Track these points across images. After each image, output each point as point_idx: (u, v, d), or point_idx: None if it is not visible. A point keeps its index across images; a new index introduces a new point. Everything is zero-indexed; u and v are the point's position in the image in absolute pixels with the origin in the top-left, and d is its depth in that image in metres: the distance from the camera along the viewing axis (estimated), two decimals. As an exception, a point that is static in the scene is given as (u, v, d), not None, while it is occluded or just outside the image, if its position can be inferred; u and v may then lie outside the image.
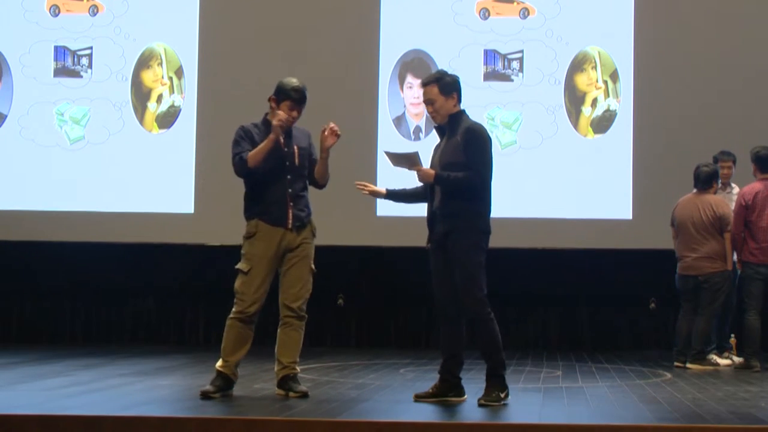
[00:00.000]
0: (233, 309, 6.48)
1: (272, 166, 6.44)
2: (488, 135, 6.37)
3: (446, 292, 6.33)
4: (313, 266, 6.57)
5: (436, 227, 6.34)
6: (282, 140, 6.47)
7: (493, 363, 6.26)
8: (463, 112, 6.39)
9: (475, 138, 6.27)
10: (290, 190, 6.48)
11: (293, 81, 6.51)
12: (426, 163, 6.42)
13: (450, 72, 6.46)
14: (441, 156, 6.35)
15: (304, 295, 6.52)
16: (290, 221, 6.47)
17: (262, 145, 6.39)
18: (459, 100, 6.38)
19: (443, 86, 6.32)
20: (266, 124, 6.54)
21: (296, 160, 6.51)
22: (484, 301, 6.23)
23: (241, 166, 6.44)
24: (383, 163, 10.33)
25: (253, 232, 6.48)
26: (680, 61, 10.27)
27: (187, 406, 6.12)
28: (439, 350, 6.45)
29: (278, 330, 6.53)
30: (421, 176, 6.29)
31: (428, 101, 6.35)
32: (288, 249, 6.48)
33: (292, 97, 6.46)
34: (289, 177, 6.48)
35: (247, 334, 6.48)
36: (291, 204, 6.47)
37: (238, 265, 6.49)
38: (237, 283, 6.49)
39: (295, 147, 6.52)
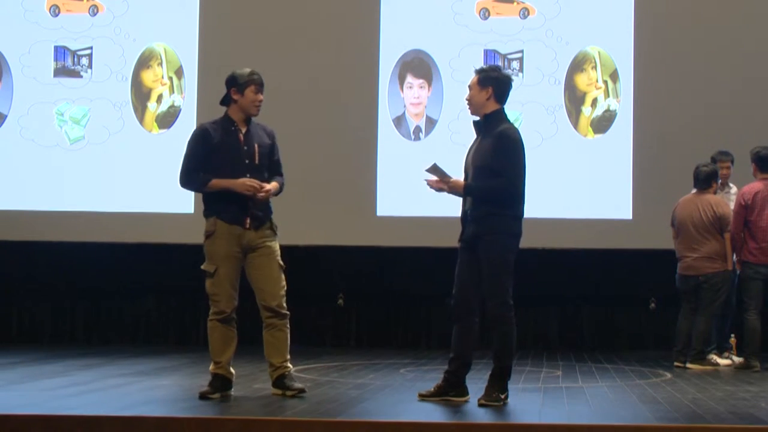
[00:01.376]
0: (211, 311, 6.46)
1: (231, 164, 6.41)
2: (521, 139, 6.30)
3: (466, 293, 6.31)
4: (281, 262, 6.50)
5: (467, 227, 6.32)
6: (241, 137, 6.46)
7: (500, 366, 6.26)
8: (500, 111, 6.34)
9: (506, 143, 6.22)
10: None
11: (247, 68, 6.51)
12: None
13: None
14: (474, 157, 6.31)
15: (279, 293, 6.46)
16: (248, 221, 6.42)
17: (227, 185, 6.36)
18: (498, 99, 6.32)
19: (482, 78, 6.32)
20: (227, 121, 6.49)
21: (256, 159, 6.46)
22: (509, 304, 6.24)
23: (188, 185, 6.52)
24: (383, 163, 10.35)
25: (212, 230, 6.43)
26: (680, 61, 10.27)
27: (186, 406, 6.12)
28: (450, 348, 6.42)
29: (263, 333, 6.50)
30: (451, 189, 6.26)
31: (469, 87, 6.38)
32: (249, 248, 6.42)
33: (255, 81, 6.45)
34: (248, 175, 6.41)
35: (230, 333, 6.47)
36: (249, 203, 6.41)
37: (204, 266, 6.46)
38: (207, 285, 6.44)
39: (256, 145, 6.47)
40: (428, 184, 6.34)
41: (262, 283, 6.46)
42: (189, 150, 6.51)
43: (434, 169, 6.28)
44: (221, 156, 6.42)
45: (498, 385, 6.22)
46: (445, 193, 6.38)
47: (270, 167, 6.57)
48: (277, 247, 6.52)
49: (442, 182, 6.28)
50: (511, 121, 6.46)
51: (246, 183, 6.35)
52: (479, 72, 6.36)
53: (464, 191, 6.24)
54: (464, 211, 6.37)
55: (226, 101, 6.53)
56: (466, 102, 6.40)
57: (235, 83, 6.45)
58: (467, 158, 6.40)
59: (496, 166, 6.18)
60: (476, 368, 6.60)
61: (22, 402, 6.28)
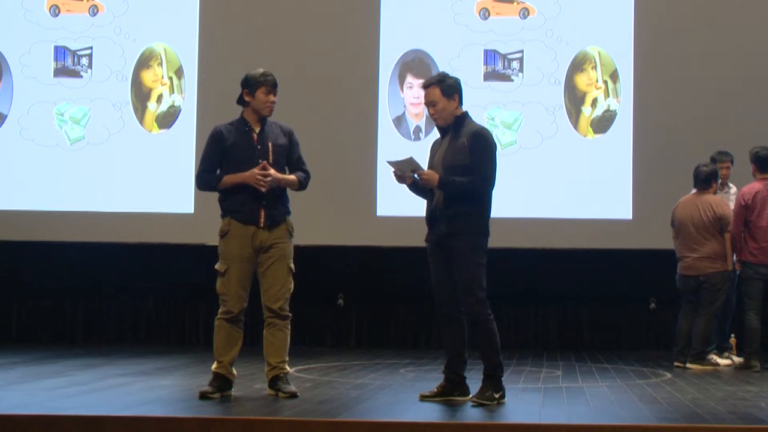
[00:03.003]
0: (219, 310, 6.51)
1: (245, 164, 6.43)
2: (494, 139, 6.40)
3: (445, 292, 6.35)
4: (292, 265, 6.53)
5: (436, 227, 6.34)
6: (254, 137, 6.48)
7: (490, 364, 6.28)
8: (467, 114, 6.42)
9: (482, 142, 6.28)
10: (263, 189, 6.44)
11: (260, 69, 6.53)
12: (425, 158, 6.43)
13: (450, 73, 6.48)
14: (444, 157, 6.34)
15: (284, 296, 6.49)
16: (262, 220, 6.44)
17: (237, 179, 6.39)
18: (461, 102, 6.41)
19: (445, 88, 6.34)
20: (242, 122, 6.54)
21: (270, 158, 6.47)
22: (484, 302, 6.25)
23: (205, 188, 6.52)
24: (383, 164, 10.34)
25: (226, 230, 6.47)
26: (680, 61, 10.27)
27: (187, 406, 6.12)
28: (442, 350, 6.45)
29: (264, 331, 6.52)
30: (425, 180, 6.28)
31: (430, 103, 6.37)
32: (261, 248, 6.44)
33: (267, 82, 6.47)
34: (264, 176, 6.42)
35: (236, 333, 6.50)
36: (264, 203, 6.43)
37: (216, 266, 6.50)
38: (218, 285, 6.50)
39: (270, 144, 6.49)
40: (396, 175, 6.35)
41: (268, 285, 6.48)
42: (203, 152, 6.56)
43: (409, 162, 6.30)
44: (235, 156, 6.45)
45: (492, 384, 6.24)
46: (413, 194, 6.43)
47: (290, 165, 6.58)
48: (290, 249, 6.54)
49: (416, 172, 6.29)
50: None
51: (255, 174, 6.37)
52: (437, 84, 6.33)
53: (439, 184, 6.25)
54: (432, 210, 6.39)
55: (241, 101, 6.55)
56: (433, 117, 6.40)
57: (247, 84, 6.50)
58: (433, 158, 6.44)
59: (471, 164, 6.22)
60: (477, 368, 6.60)
61: (22, 402, 6.28)
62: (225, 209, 6.52)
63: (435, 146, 6.52)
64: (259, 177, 6.37)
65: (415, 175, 6.34)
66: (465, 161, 6.25)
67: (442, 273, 6.35)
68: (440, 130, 6.47)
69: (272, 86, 6.50)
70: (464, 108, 6.44)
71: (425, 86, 6.40)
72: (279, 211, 6.50)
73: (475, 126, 6.38)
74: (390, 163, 6.38)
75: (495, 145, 6.38)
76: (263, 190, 6.38)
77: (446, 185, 6.26)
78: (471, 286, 6.22)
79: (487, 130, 6.41)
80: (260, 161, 6.43)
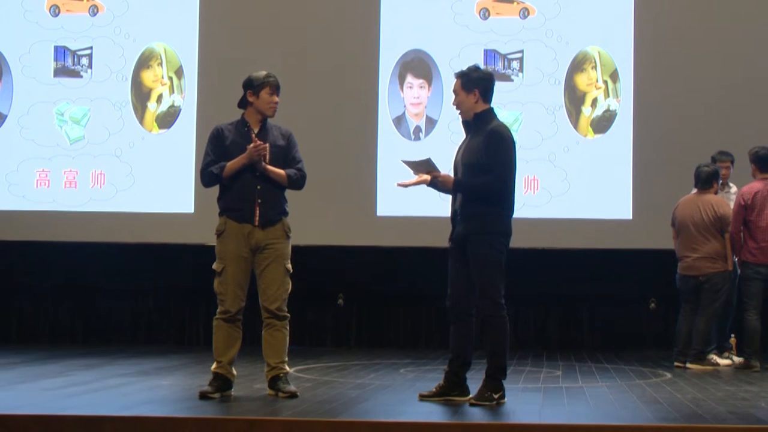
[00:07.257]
0: (217, 309, 6.52)
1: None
2: (512, 136, 6.32)
3: (458, 293, 6.32)
4: (289, 266, 6.53)
5: (457, 227, 6.33)
6: (253, 137, 6.49)
7: (494, 365, 6.26)
8: (490, 110, 6.36)
9: (497, 140, 6.22)
10: (259, 188, 6.46)
11: (262, 71, 6.56)
12: (450, 159, 6.42)
13: (481, 69, 6.40)
14: (463, 155, 6.33)
15: (281, 296, 6.49)
16: (257, 218, 6.44)
17: (238, 163, 6.41)
18: (485, 99, 6.33)
19: (465, 81, 6.31)
20: (242, 123, 6.57)
21: (267, 159, 6.48)
22: (499, 303, 6.22)
23: (209, 181, 6.53)
24: (383, 163, 10.35)
25: (222, 229, 6.50)
26: (680, 61, 10.27)
27: (187, 406, 6.12)
28: (449, 347, 6.44)
29: (262, 332, 6.53)
30: (439, 184, 6.28)
31: (454, 92, 6.37)
32: (257, 248, 6.45)
33: (270, 83, 6.50)
34: (258, 174, 6.46)
35: (235, 333, 6.50)
36: (259, 201, 6.45)
37: (213, 266, 6.52)
38: (215, 284, 6.52)
39: (267, 145, 6.51)
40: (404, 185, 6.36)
41: (265, 286, 6.49)
42: (206, 149, 6.59)
43: (426, 164, 6.29)
44: (234, 156, 6.47)
45: (491, 384, 6.23)
46: (437, 192, 6.42)
47: (286, 166, 6.56)
48: (287, 250, 6.54)
49: (422, 179, 6.29)
50: (512, 121, 6.47)
51: (250, 150, 6.38)
52: (461, 76, 6.34)
53: (453, 187, 6.25)
54: (454, 210, 6.39)
55: (242, 104, 6.56)
56: (454, 107, 6.40)
57: (251, 86, 6.52)
58: (456, 157, 6.43)
59: (487, 163, 6.19)
60: (477, 368, 6.60)
61: (22, 402, 6.28)
62: (221, 208, 6.54)
63: (461, 143, 6.49)
64: (255, 148, 6.38)
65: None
66: (482, 160, 6.20)
67: (460, 274, 6.31)
68: (464, 126, 6.42)
69: (276, 87, 6.54)
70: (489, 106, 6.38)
71: (454, 76, 6.41)
72: (275, 211, 6.51)
73: (493, 123, 6.30)
74: (406, 162, 6.37)
75: (512, 142, 6.29)
76: (265, 153, 6.39)
77: (461, 188, 6.24)
78: (486, 288, 6.20)
79: (505, 127, 6.34)
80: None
